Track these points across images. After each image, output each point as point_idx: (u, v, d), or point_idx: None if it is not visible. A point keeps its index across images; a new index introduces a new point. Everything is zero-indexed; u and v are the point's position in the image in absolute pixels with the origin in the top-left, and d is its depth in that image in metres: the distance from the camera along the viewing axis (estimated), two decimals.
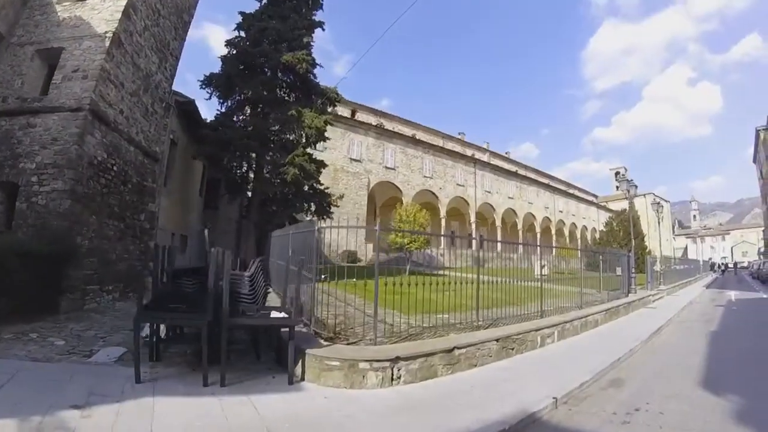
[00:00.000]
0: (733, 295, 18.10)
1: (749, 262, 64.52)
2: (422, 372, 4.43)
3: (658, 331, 8.33)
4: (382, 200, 31.71)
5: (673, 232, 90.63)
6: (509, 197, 41.14)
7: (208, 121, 15.42)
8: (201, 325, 4.05)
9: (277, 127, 13.97)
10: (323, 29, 16.04)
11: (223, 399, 3.62)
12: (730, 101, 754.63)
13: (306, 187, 14.80)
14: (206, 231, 6.74)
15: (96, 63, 8.70)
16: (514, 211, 41.27)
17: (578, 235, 52.13)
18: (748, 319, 10.65)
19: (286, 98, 15.00)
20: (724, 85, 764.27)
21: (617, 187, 79.25)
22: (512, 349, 5.65)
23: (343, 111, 32.88)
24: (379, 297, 4.88)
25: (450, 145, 39.67)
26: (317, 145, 16.03)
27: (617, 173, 78.91)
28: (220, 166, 14.42)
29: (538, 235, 43.33)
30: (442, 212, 32.90)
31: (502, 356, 5.41)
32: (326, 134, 15.89)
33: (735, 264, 59.54)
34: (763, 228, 58.69)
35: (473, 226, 35.01)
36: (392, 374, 4.20)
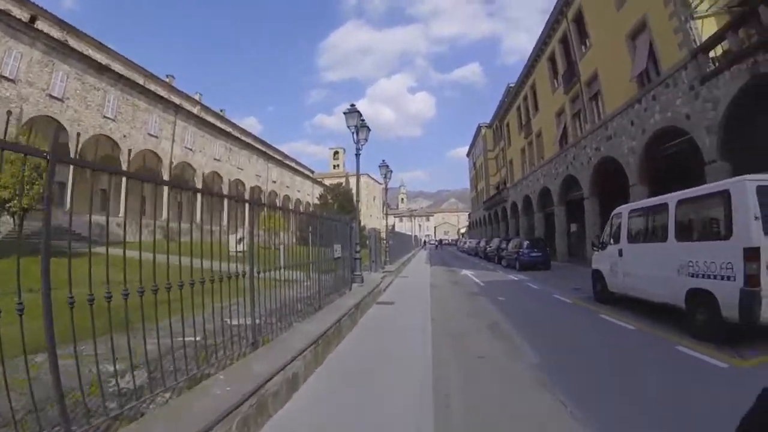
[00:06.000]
0: (471, 275, 15.84)
1: (452, 239, 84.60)
2: None
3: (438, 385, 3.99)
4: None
5: (383, 211, 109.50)
6: (216, 159, 39.32)
7: None
8: None
9: None
10: None
11: None
12: (441, 112, 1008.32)
13: None
14: None
15: None
16: (219, 175, 39.82)
17: (291, 207, 55.98)
18: (554, 322, 7.49)
19: None
20: (439, 99, 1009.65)
21: (335, 166, 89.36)
22: None
23: (20, 14, 22.63)
24: None
25: (153, 88, 33.79)
26: None
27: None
28: None
29: (247, 205, 43.69)
30: (125, 167, 27.89)
31: None
32: None
33: (440, 241, 73.71)
34: (468, 212, 71.31)
35: (166, 188, 31.58)
36: None
